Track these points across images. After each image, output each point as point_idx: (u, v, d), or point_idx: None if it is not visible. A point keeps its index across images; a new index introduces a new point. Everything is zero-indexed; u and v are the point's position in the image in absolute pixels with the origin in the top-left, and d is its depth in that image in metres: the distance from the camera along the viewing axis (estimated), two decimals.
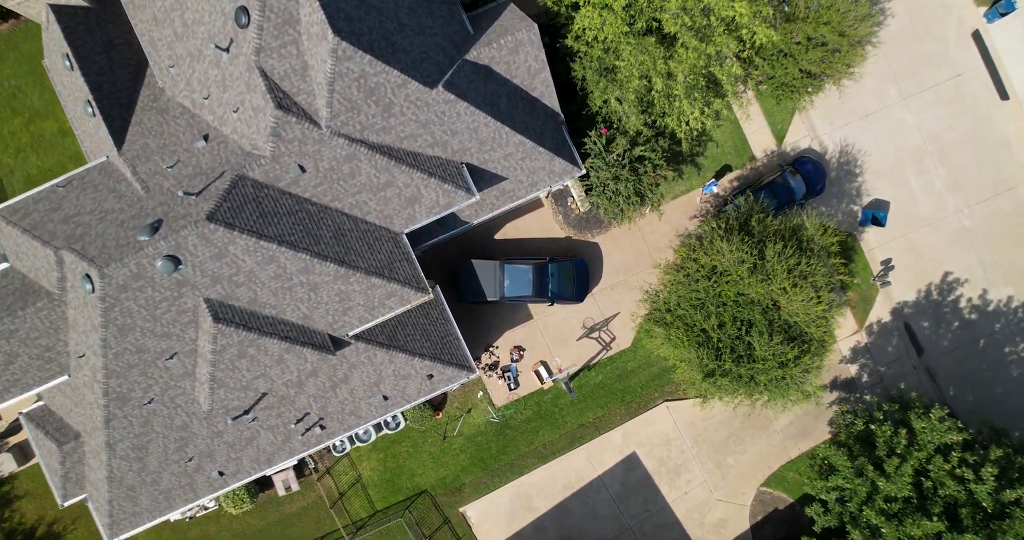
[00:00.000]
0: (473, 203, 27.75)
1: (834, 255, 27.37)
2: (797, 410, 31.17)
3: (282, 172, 23.60)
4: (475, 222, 28.63)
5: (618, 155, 28.26)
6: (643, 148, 28.02)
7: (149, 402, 25.38)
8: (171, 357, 24.59)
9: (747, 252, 25.75)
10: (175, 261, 22.62)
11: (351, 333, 26.22)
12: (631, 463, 33.35)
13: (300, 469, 32.53)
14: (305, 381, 26.84)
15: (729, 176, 33.31)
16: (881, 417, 27.38)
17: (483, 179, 26.99)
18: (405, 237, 26.27)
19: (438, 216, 26.17)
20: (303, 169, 23.63)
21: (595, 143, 28.44)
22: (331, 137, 23.27)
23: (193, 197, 23.10)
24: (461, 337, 29.12)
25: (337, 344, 26.38)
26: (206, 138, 24.19)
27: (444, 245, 32.17)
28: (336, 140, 23.35)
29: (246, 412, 26.83)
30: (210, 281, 23.51)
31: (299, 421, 28.01)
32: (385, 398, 28.77)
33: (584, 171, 28.63)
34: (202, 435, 27.04)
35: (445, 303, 29.05)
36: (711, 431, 33.50)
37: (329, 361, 26.68)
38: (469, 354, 29.26)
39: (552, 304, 31.35)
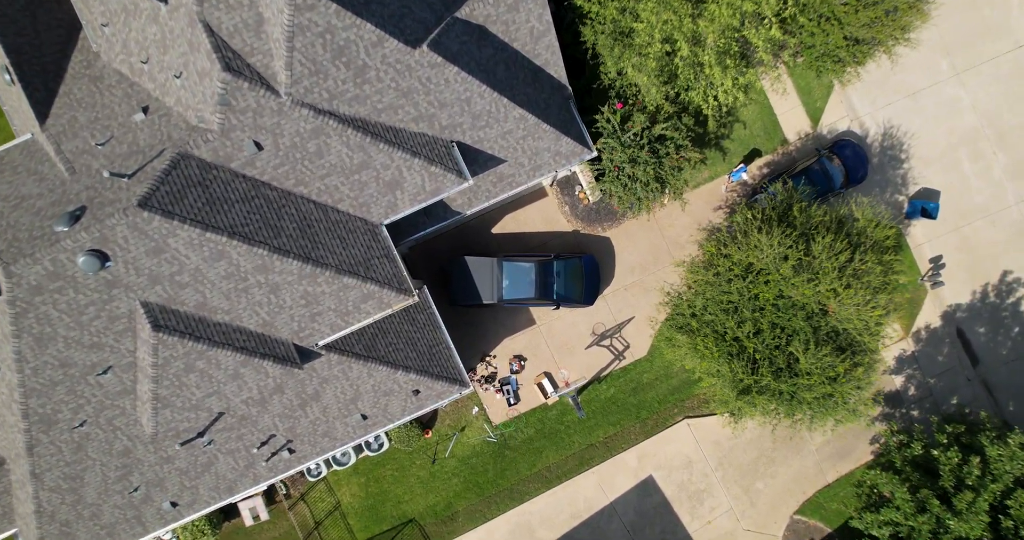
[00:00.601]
0: (465, 190, 23.76)
1: (889, 251, 23.37)
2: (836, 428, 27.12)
3: (234, 150, 19.59)
4: (468, 213, 24.63)
5: (635, 134, 24.25)
6: (665, 126, 23.99)
7: (80, 425, 21.37)
8: (104, 372, 20.58)
9: (791, 246, 21.73)
10: (101, 257, 18.62)
11: (321, 343, 22.21)
12: (647, 488, 29.33)
13: (270, 495, 28.52)
14: (269, 399, 22.85)
15: (758, 162, 29.32)
16: (945, 441, 23.35)
17: (477, 161, 23.00)
18: (385, 229, 22.27)
19: (424, 204, 22.16)
20: (259, 146, 19.62)
21: (609, 120, 24.44)
22: (292, 107, 19.27)
23: (124, 179, 19.10)
24: (452, 346, 25.12)
25: (305, 356, 22.37)
26: (145, 110, 20.21)
27: (433, 240, 28.18)
28: (299, 111, 19.36)
29: (200, 435, 22.83)
30: (147, 281, 19.51)
31: (263, 444, 24.02)
32: (364, 417, 24.78)
33: (595, 153, 24.60)
34: (148, 461, 23.04)
35: (434, 307, 25.05)
36: (738, 452, 29.47)
37: (296, 376, 22.68)
38: (462, 366, 25.26)
39: (558, 308, 27.33)
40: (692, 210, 28.87)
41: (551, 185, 28.47)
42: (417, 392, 24.80)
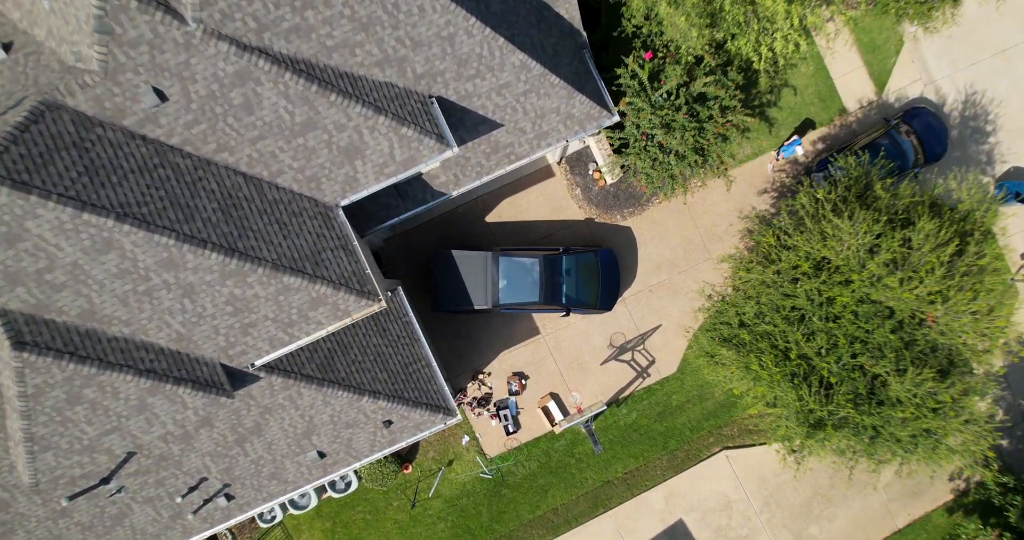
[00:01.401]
0: (450, 162, 18.39)
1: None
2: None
3: (127, 100, 14.20)
4: (455, 194, 19.25)
5: (669, 93, 18.85)
6: (707, 80, 18.59)
7: None
8: None
9: (881, 235, 16.35)
10: None
11: (258, 362, 16.82)
12: (677, 534, 23.95)
13: None
14: (194, 434, 17.47)
15: (810, 136, 23.96)
16: None
17: (464, 124, 17.65)
18: (342, 213, 16.88)
19: (394, 179, 16.79)
20: (162, 96, 14.25)
21: (634, 75, 19.05)
22: (205, 40, 13.89)
23: None
24: (435, 364, 19.74)
25: (238, 379, 17.01)
26: (7, 47, 14.81)
27: (412, 231, 22.81)
28: (215, 46, 13.98)
29: (105, 481, 17.46)
30: (3, 280, 14.11)
31: (192, 490, 18.66)
32: (321, 455, 19.42)
33: (617, 117, 19.20)
34: (36, 516, 17.67)
35: (411, 314, 19.66)
36: (787, 490, 24.08)
37: (228, 405, 17.33)
38: (447, 389, 19.86)
39: (567, 314, 21.91)
40: (731, 194, 23.51)
41: (559, 162, 23.08)
42: (389, 423, 19.42)
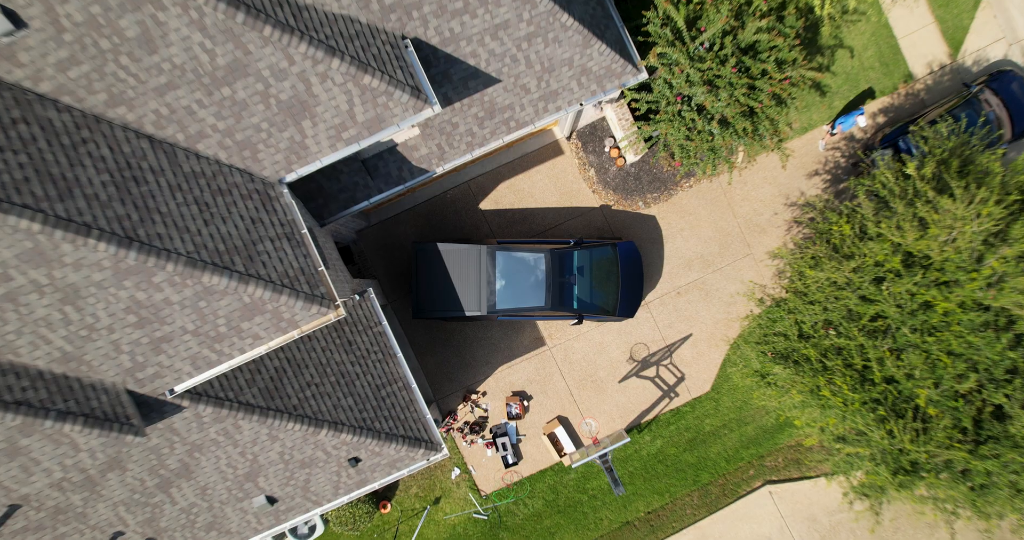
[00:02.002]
0: (433, 131, 14.37)
1: None
2: None
3: None
4: (440, 171, 15.22)
5: (711, 42, 14.79)
6: (761, 24, 14.51)
7: None
8: None
9: (1006, 219, 12.30)
10: None
11: (179, 388, 12.76)
12: None
13: None
14: (100, 480, 13.45)
15: (870, 107, 19.91)
16: None
17: (450, 77, 13.62)
18: (287, 192, 12.83)
19: (355, 147, 12.72)
20: (16, 20, 10.19)
21: (667, 19, 14.98)
22: None
23: None
24: (415, 385, 15.68)
25: (153, 410, 12.99)
26: None
27: (392, 219, 18.84)
28: None
29: None
30: None
31: None
32: (271, 501, 15.38)
33: (644, 74, 15.13)
34: None
35: (384, 323, 15.62)
36: (844, 533, 20.02)
37: (144, 444, 13.31)
38: (430, 417, 15.81)
39: (580, 322, 17.84)
40: (775, 177, 19.51)
41: (569, 137, 19.04)
42: (356, 461, 15.38)
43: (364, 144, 12.67)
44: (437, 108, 12.58)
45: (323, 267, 12.64)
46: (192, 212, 11.65)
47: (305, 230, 12.69)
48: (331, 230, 16.44)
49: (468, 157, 15.09)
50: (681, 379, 19.55)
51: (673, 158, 18.34)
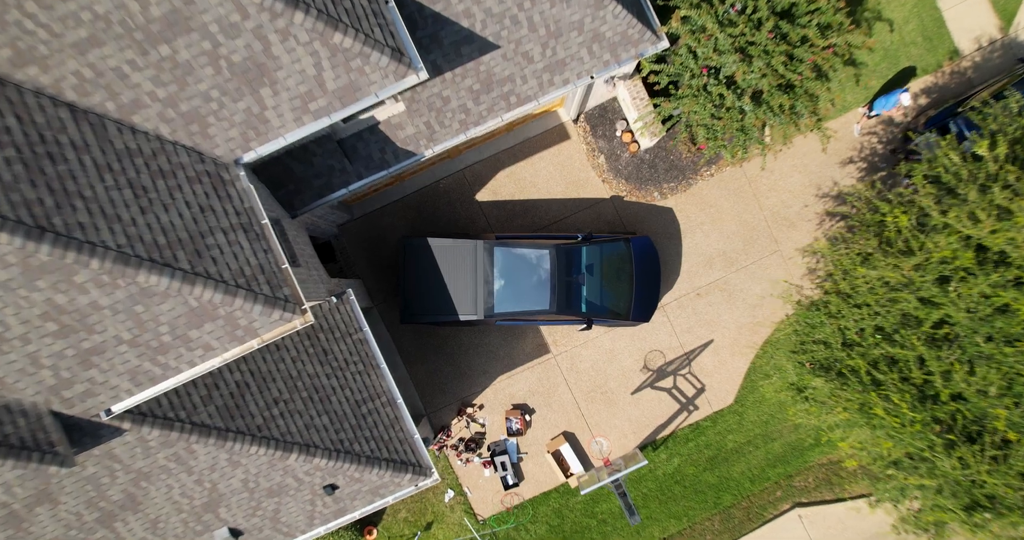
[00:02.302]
0: (420, 102, 12.34)
1: None
2: None
3: None
4: (429, 154, 13.18)
5: (742, 3, 12.75)
6: None
7: None
8: None
9: None
10: None
11: (116, 408, 10.71)
12: None
13: None
14: (27, 516, 11.45)
15: (912, 86, 17.90)
16: None
17: (440, 41, 11.59)
18: (245, 175, 10.80)
19: (326, 122, 10.67)
20: None
21: None
22: None
23: None
24: (400, 400, 13.64)
25: (86, 434, 10.97)
26: None
27: (378, 211, 16.84)
28: None
29: None
30: None
31: None
32: (235, 533, 13.36)
33: (666, 42, 13.08)
34: None
35: (366, 327, 13.57)
36: None
37: (79, 474, 11.30)
38: (419, 437, 13.76)
39: (589, 327, 15.76)
40: (806, 164, 17.51)
41: (576, 120, 17.02)
42: (333, 488, 13.35)
43: (336, 118, 10.63)
44: (423, 75, 10.54)
45: (287, 264, 10.60)
46: (125, 198, 9.61)
47: (266, 220, 10.65)
48: (306, 223, 14.42)
49: (462, 138, 13.06)
50: (701, 390, 17.52)
51: (693, 143, 16.32)
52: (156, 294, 9.75)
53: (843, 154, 17.79)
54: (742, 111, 13.29)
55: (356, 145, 12.79)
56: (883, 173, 17.58)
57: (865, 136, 17.85)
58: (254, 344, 10.72)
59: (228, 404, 12.10)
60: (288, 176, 12.66)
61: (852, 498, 17.66)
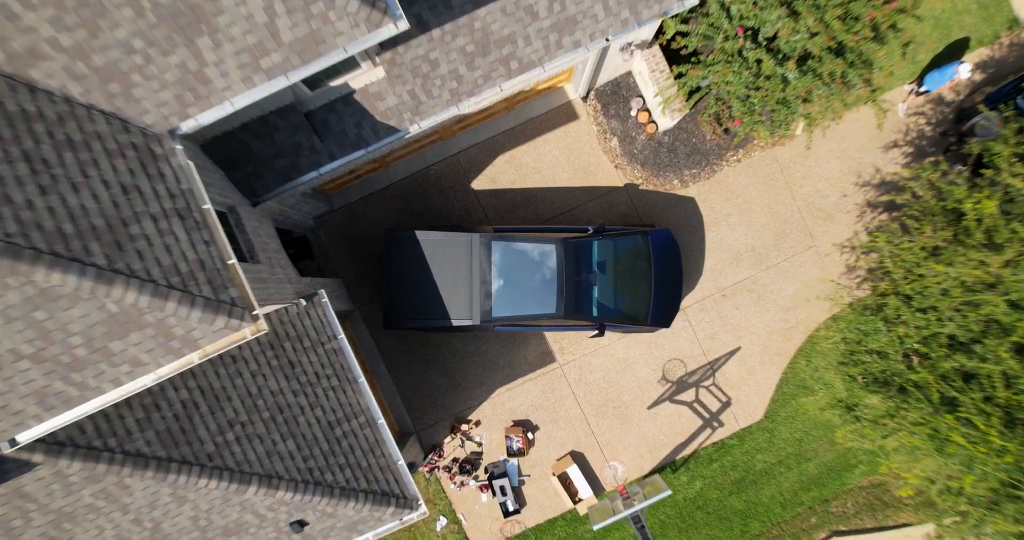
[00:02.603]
0: (403, 68, 10.28)
1: None
2: None
3: None
4: (415, 130, 11.11)
5: None
6: None
7: None
8: None
9: None
10: None
11: (22, 437, 8.65)
12: None
13: None
14: None
15: (967, 59, 15.86)
16: None
17: None
18: (182, 149, 8.72)
19: (283, 84, 8.59)
20: None
21: None
22: None
23: None
24: (381, 420, 11.57)
25: None
26: None
27: (362, 200, 14.79)
28: None
29: None
30: None
31: None
32: None
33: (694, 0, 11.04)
34: None
35: (341, 335, 11.50)
36: None
37: None
38: (403, 463, 11.69)
39: (601, 333, 13.66)
40: (844, 148, 15.47)
41: (586, 97, 14.96)
42: (301, 525, 11.30)
43: (295, 78, 8.57)
44: (403, 25, 8.49)
45: (233, 259, 8.54)
46: (19, 174, 7.55)
47: (208, 205, 8.59)
48: (272, 212, 12.37)
49: (453, 111, 11.00)
50: (726, 404, 15.47)
51: (719, 122, 14.26)
52: (62, 297, 7.69)
53: (886, 137, 15.75)
54: (784, 80, 11.24)
55: (327, 118, 10.73)
56: (932, 158, 15.53)
57: (911, 116, 15.82)
58: (194, 358, 8.66)
59: (172, 428, 10.04)
60: (246, 155, 10.60)
61: (896, 527, 15.63)
